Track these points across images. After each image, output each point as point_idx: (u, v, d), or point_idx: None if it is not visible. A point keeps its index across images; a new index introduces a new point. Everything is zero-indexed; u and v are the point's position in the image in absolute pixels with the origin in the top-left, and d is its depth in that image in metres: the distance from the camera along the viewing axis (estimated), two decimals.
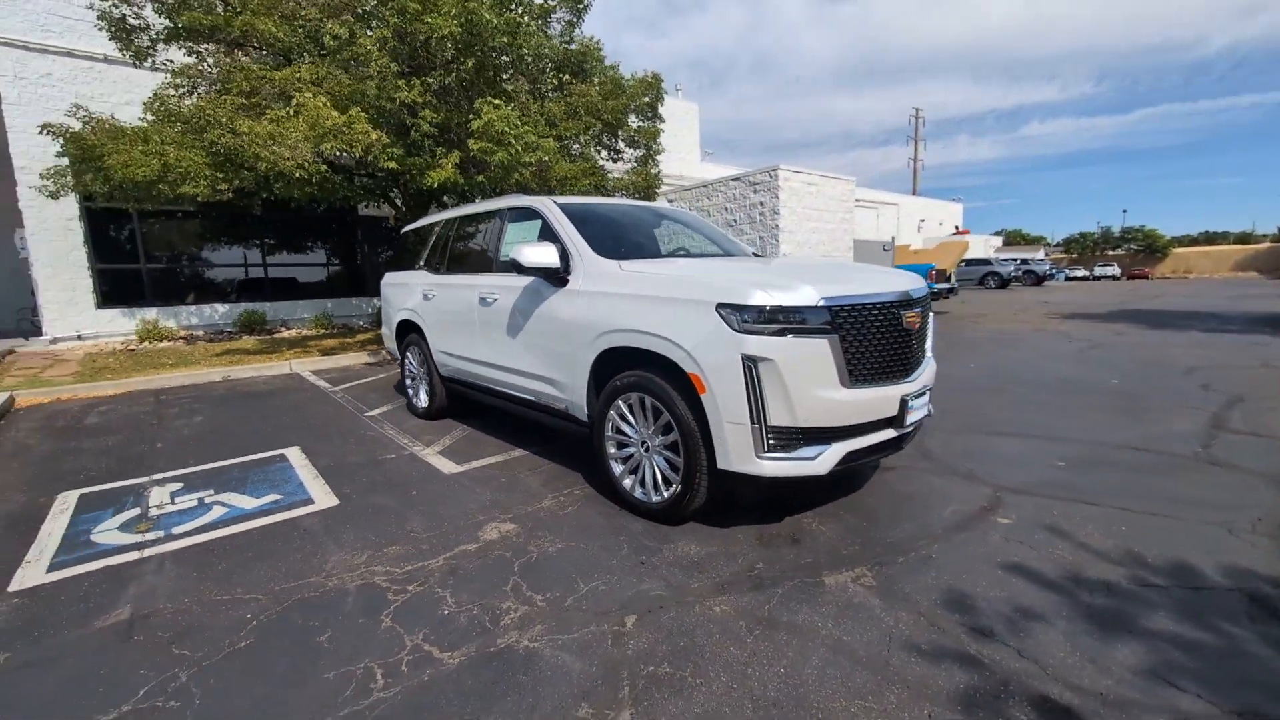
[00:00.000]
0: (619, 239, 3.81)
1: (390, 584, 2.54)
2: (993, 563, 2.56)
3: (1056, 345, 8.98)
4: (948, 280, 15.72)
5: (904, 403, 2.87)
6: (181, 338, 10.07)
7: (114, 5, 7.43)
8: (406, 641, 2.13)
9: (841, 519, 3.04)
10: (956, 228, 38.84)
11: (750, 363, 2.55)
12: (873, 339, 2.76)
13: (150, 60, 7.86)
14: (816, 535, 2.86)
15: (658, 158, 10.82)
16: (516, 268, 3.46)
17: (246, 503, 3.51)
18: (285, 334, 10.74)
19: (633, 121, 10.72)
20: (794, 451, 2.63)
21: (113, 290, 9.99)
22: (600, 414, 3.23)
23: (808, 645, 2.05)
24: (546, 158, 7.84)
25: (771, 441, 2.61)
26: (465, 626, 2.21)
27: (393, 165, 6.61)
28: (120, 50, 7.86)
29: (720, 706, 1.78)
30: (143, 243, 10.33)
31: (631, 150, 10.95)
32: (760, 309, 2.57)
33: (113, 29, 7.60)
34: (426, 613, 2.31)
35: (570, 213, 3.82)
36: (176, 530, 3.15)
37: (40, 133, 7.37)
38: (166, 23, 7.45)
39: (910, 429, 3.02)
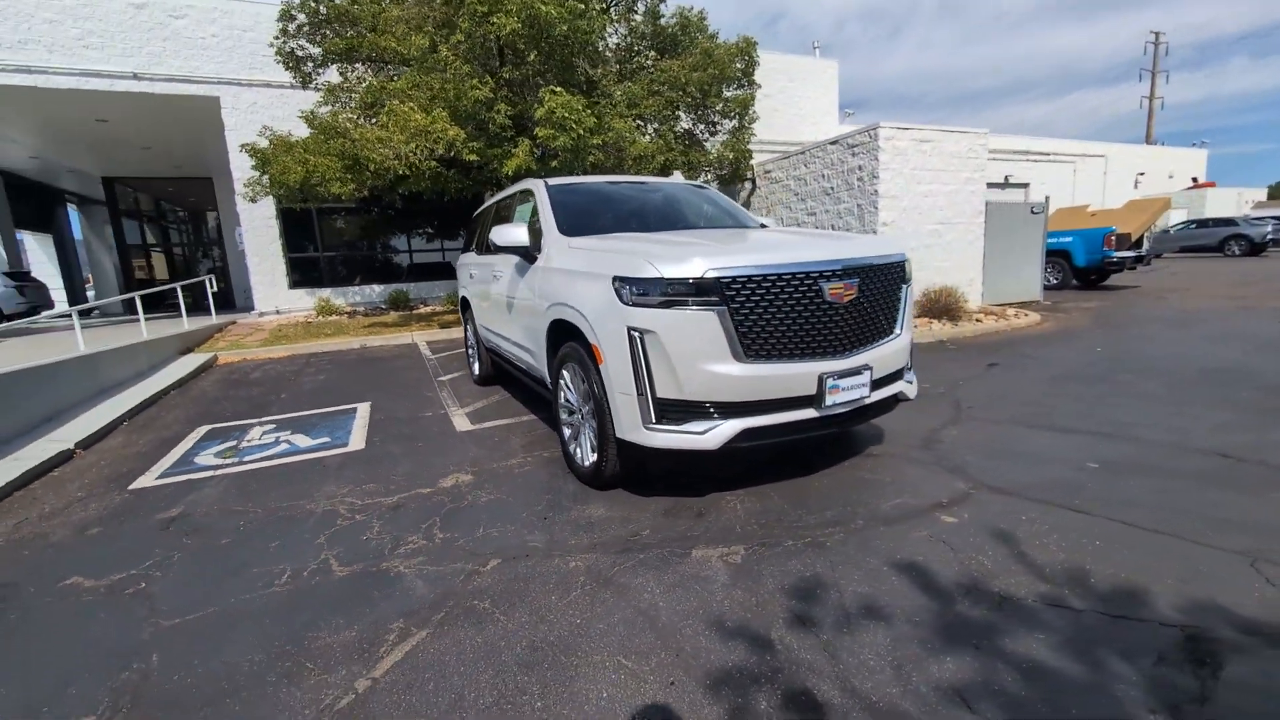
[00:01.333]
0: (594, 216, 3.94)
1: (346, 513, 3.08)
2: (888, 559, 2.33)
3: (1254, 328, 7.01)
4: (1136, 246, 12.78)
5: (822, 381, 2.66)
6: (346, 313, 12.28)
7: (285, 41, 9.19)
8: (322, 555, 2.63)
9: (768, 498, 2.93)
10: (1194, 180, 31.02)
11: (636, 334, 2.59)
12: (775, 312, 2.60)
13: (314, 83, 9.59)
14: (727, 511, 2.82)
15: (752, 127, 10.42)
16: (493, 247, 3.80)
17: (304, 442, 4.38)
18: (421, 310, 12.50)
19: (730, 91, 10.42)
20: (683, 425, 2.63)
21: (299, 274, 12.57)
22: (554, 382, 3.46)
23: (620, 605, 2.12)
24: (628, 135, 8.05)
25: (659, 413, 2.64)
26: (369, 550, 2.65)
27: (473, 157, 7.38)
28: (294, 77, 9.69)
29: (499, 640, 1.97)
30: (320, 235, 12.79)
31: (729, 121, 10.67)
32: (646, 281, 2.58)
33: (286, 61, 9.41)
34: (351, 537, 2.79)
35: (556, 191, 4.05)
36: (247, 459, 4.07)
37: (240, 151, 9.47)
38: (319, 51, 9.03)
39: (843, 411, 2.79)
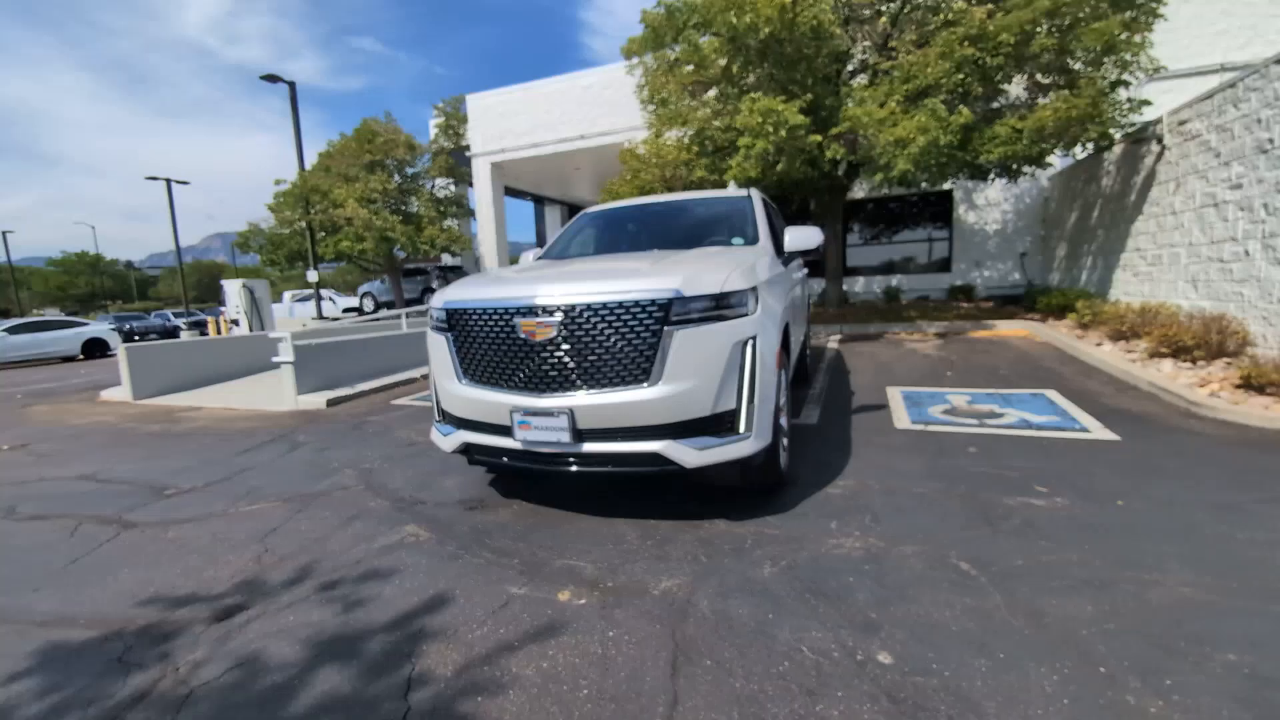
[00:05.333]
0: (587, 240, 4.34)
1: (398, 442, 4.86)
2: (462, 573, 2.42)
3: None
4: None
5: (511, 415, 2.71)
6: None
7: (642, 90, 11.76)
8: (344, 458, 4.47)
9: (535, 517, 3.11)
10: None
11: (429, 349, 3.30)
12: (478, 343, 2.82)
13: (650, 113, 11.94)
14: (492, 514, 3.19)
15: (1133, 71, 6.85)
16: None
17: None
18: None
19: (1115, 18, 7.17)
20: (442, 426, 3.19)
21: None
22: None
23: (303, 530, 3.09)
24: (866, 120, 7.06)
25: (441, 414, 3.27)
26: (353, 461, 4.33)
27: (701, 173, 7.95)
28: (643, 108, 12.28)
29: (272, 513, 3.28)
30: None
31: (1096, 67, 7.40)
32: (432, 308, 3.24)
33: (644, 107, 12.02)
34: (363, 455, 4.54)
35: (581, 217, 4.67)
36: None
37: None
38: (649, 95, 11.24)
39: (549, 451, 2.69)
